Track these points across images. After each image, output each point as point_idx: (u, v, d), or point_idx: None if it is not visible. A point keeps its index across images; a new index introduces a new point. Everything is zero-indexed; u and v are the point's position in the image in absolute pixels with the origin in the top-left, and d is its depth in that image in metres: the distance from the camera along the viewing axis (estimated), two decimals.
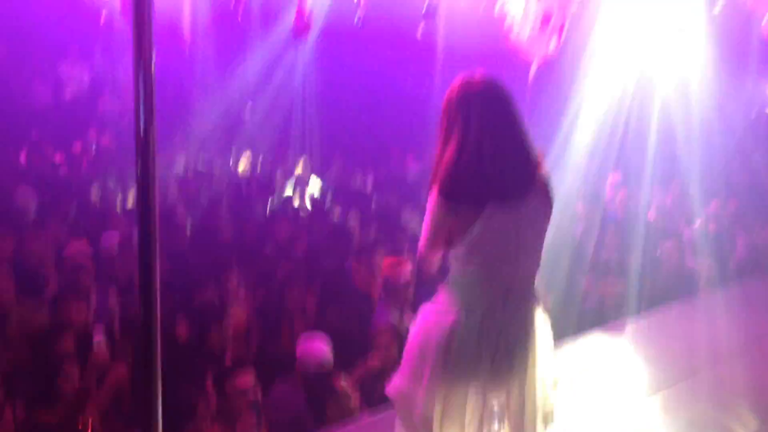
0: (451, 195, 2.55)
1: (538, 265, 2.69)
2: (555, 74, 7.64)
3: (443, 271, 2.74)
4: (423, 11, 9.56)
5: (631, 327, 5.72)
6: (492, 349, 2.59)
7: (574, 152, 8.91)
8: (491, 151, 2.55)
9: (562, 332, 4.65)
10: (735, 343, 5.17)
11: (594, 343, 5.27)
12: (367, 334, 5.15)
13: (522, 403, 2.63)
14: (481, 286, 2.61)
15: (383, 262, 5.61)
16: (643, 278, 6.83)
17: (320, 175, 10.18)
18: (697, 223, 8.25)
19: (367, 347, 5.01)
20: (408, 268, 5.37)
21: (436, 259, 2.72)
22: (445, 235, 2.61)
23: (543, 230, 2.67)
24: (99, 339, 4.78)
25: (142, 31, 2.15)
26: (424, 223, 2.65)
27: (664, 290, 6.69)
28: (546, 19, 5.77)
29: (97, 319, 5.12)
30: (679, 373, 4.82)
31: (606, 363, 4.98)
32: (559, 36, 5.89)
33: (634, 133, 9.74)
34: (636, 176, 9.03)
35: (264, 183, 9.46)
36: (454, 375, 2.58)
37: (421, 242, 2.68)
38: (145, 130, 2.20)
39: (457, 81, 2.66)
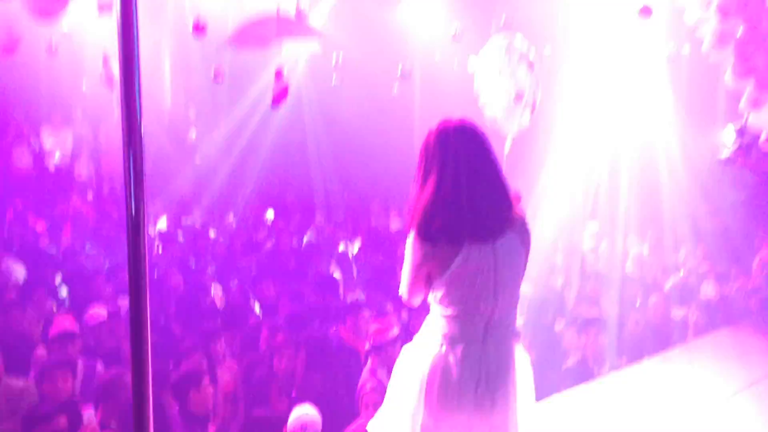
0: (428, 235, 2.62)
1: (516, 300, 2.77)
2: (529, 139, 7.87)
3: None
4: (398, 73, 9.82)
5: (613, 382, 5.74)
6: (474, 383, 2.65)
7: (551, 206, 9.10)
8: (469, 189, 2.64)
9: (545, 389, 4.70)
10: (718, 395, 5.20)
11: (577, 400, 5.27)
12: (354, 395, 5.14)
13: None
14: (461, 323, 2.67)
15: (370, 325, 5.62)
16: (625, 330, 6.89)
17: (301, 232, 10.25)
18: (677, 272, 8.39)
19: (355, 408, 5.00)
20: (394, 327, 5.39)
21: (418, 302, 2.80)
22: (424, 277, 2.69)
23: (520, 266, 2.75)
24: (89, 412, 4.74)
25: (131, 94, 2.17)
26: (404, 267, 2.73)
27: (647, 342, 6.75)
28: (519, 96, 6.00)
29: (86, 392, 5.08)
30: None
31: (589, 421, 4.96)
32: (532, 110, 6.11)
33: (608, 185, 10.02)
34: (612, 227, 9.23)
35: (248, 243, 9.49)
36: (438, 410, 2.65)
37: (402, 286, 2.77)
38: (136, 208, 2.23)
39: (434, 125, 2.76)
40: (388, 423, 2.79)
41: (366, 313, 6.29)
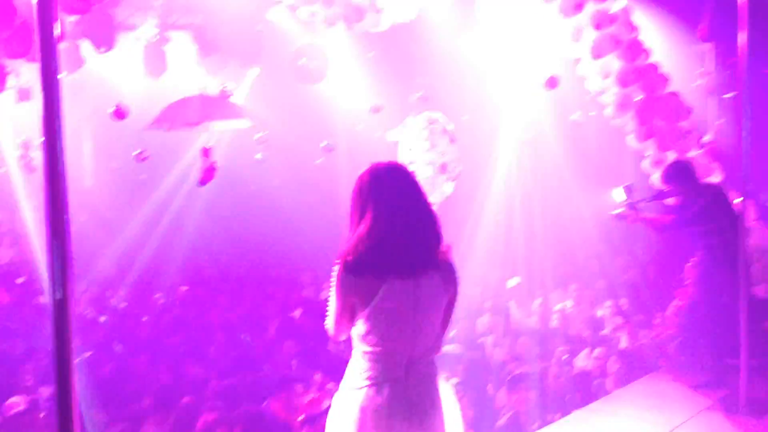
0: (353, 268, 2.70)
1: (439, 338, 2.84)
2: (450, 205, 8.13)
3: None
4: (322, 145, 10.01)
5: None
6: (406, 421, 2.70)
7: (474, 267, 9.30)
8: (401, 226, 2.72)
9: None
10: None
11: None
12: None
13: None
14: (383, 361, 2.73)
15: (304, 397, 5.59)
16: (553, 384, 7.04)
17: (230, 308, 10.09)
18: (600, 325, 8.66)
19: None
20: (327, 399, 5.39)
21: (343, 337, 2.86)
22: (349, 311, 2.76)
23: (441, 305, 2.81)
24: None
25: (56, 176, 2.17)
26: (329, 301, 2.80)
27: (574, 394, 6.90)
28: (443, 168, 6.29)
29: None
30: None
31: None
32: (455, 179, 6.38)
33: (527, 244, 10.34)
34: (534, 283, 9.49)
35: (175, 321, 9.29)
36: None
37: (328, 321, 2.83)
38: (64, 293, 2.20)
39: (366, 169, 2.88)
40: None
41: (298, 386, 6.27)
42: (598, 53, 7.25)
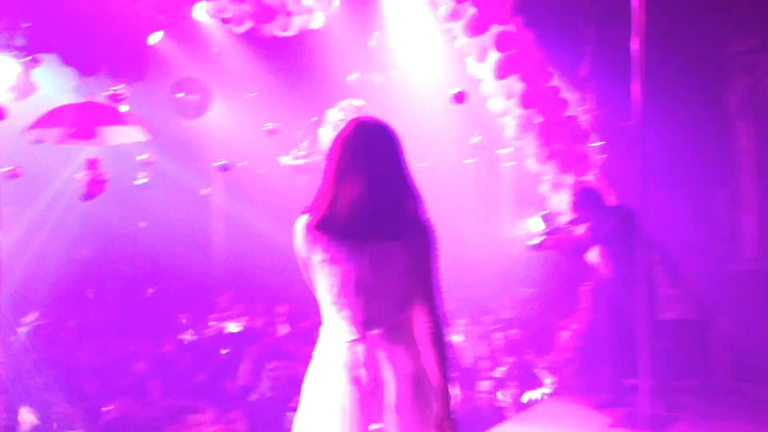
0: (316, 224, 2.66)
1: (402, 298, 2.71)
2: None
3: None
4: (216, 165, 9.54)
5: None
6: (360, 389, 2.66)
7: None
8: (376, 187, 2.62)
9: None
10: None
11: None
12: None
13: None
14: (341, 320, 2.70)
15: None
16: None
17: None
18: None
19: None
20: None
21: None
22: (308, 268, 2.74)
23: (401, 270, 2.67)
24: None
25: None
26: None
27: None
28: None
29: None
30: None
31: None
32: None
33: None
34: None
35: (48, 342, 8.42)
36: (332, 408, 2.67)
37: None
38: None
39: (350, 123, 2.75)
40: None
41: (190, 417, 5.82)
42: (500, 74, 7.29)
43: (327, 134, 6.51)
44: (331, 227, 2.64)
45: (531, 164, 7.72)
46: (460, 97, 7.65)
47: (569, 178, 7.45)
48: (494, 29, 7.22)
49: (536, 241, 6.73)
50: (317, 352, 2.81)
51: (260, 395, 6.95)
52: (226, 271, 11.86)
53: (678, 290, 7.65)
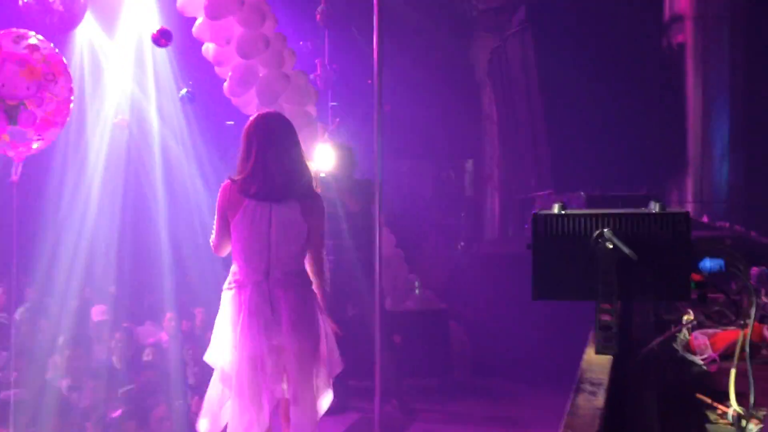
0: (233, 188, 3.66)
1: (295, 255, 3.71)
2: None
3: None
4: None
5: None
6: (266, 315, 3.61)
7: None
8: (272, 161, 3.66)
9: None
10: None
11: None
12: None
13: (295, 359, 3.65)
14: (247, 266, 3.66)
15: None
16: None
17: None
18: None
19: None
20: None
21: (224, 252, 3.78)
22: (226, 225, 3.68)
23: (300, 229, 3.71)
24: None
25: None
26: (215, 221, 3.73)
27: None
28: None
29: None
30: None
31: None
32: None
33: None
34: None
35: None
36: (243, 338, 3.59)
37: (212, 239, 3.77)
38: None
39: (256, 115, 3.85)
40: (215, 352, 3.72)
41: None
42: (212, 12, 6.07)
43: None
44: (248, 191, 3.63)
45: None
46: (161, 38, 6.33)
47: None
48: None
49: None
50: (230, 288, 3.67)
51: None
52: None
53: (418, 276, 7.13)
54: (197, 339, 7.04)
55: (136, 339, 7.05)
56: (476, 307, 7.65)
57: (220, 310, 3.71)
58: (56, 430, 6.14)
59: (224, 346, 3.65)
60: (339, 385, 5.86)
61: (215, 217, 3.69)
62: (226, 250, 3.74)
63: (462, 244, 8.06)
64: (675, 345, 2.49)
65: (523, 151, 7.38)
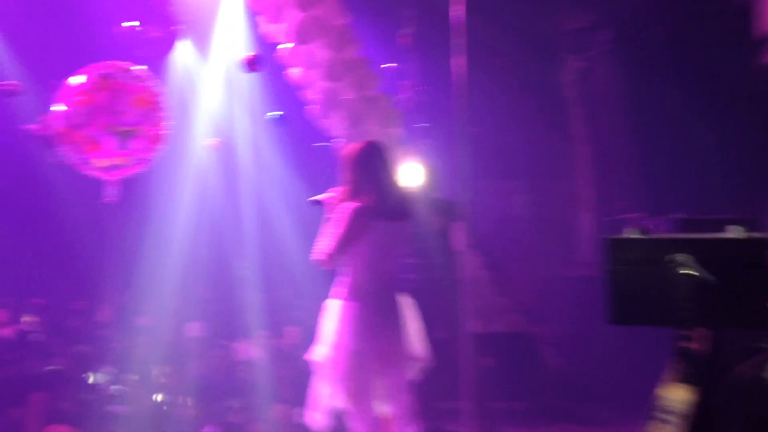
0: (369, 212, 3.97)
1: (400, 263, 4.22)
2: None
3: None
4: None
5: None
6: (391, 320, 4.06)
7: None
8: (392, 184, 4.13)
9: None
10: None
11: None
12: None
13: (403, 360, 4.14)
14: (372, 277, 4.01)
15: None
16: None
17: None
18: None
19: None
20: None
21: (333, 264, 4.03)
22: (351, 244, 3.96)
23: (406, 239, 4.21)
24: None
25: None
26: (335, 233, 3.96)
27: None
28: None
29: None
30: None
31: None
32: None
33: None
34: None
35: None
36: (370, 342, 3.96)
37: (326, 252, 3.97)
38: None
39: (361, 144, 4.19)
40: (324, 352, 4.05)
41: None
42: (300, 38, 6.31)
43: None
44: (379, 213, 3.98)
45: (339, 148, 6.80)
46: (252, 63, 6.59)
47: None
48: None
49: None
50: (352, 299, 3.99)
51: None
52: None
53: (506, 299, 7.08)
54: (288, 357, 7.23)
55: (231, 355, 7.30)
56: (567, 330, 7.54)
57: (339, 318, 4.01)
58: None
59: (347, 349, 3.95)
60: (427, 407, 5.96)
61: (344, 233, 3.92)
62: (338, 264, 4.03)
63: (551, 266, 7.96)
64: (764, 374, 2.40)
65: (614, 173, 7.27)
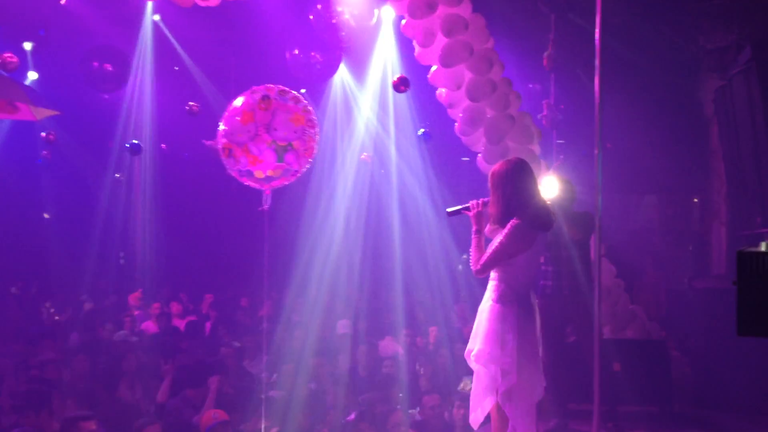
0: (531, 224, 4.18)
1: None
2: None
3: None
4: None
5: None
6: (532, 323, 4.24)
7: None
8: (540, 198, 4.37)
9: None
10: None
11: None
12: None
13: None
14: (524, 283, 4.26)
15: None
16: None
17: None
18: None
19: None
20: None
21: (485, 274, 4.28)
22: (509, 254, 4.19)
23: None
24: None
25: None
26: (498, 246, 4.18)
27: None
28: None
29: None
30: None
31: None
32: None
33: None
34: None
35: None
36: (525, 343, 4.17)
37: (485, 263, 4.21)
38: None
39: (511, 160, 4.37)
40: (485, 354, 4.21)
41: None
42: (446, 61, 6.81)
43: None
44: (537, 225, 4.22)
45: (480, 163, 7.27)
46: (401, 84, 7.15)
47: None
48: (442, 10, 6.75)
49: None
50: (503, 302, 4.20)
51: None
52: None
53: (639, 307, 7.25)
54: (430, 354, 7.74)
55: (378, 352, 7.87)
56: (699, 339, 7.60)
57: (488, 320, 4.18)
58: (302, 426, 6.89)
59: (501, 351, 4.13)
60: (559, 408, 6.27)
61: (506, 245, 4.13)
62: (490, 273, 4.25)
63: (683, 277, 8.05)
64: None
65: (749, 188, 7.27)
